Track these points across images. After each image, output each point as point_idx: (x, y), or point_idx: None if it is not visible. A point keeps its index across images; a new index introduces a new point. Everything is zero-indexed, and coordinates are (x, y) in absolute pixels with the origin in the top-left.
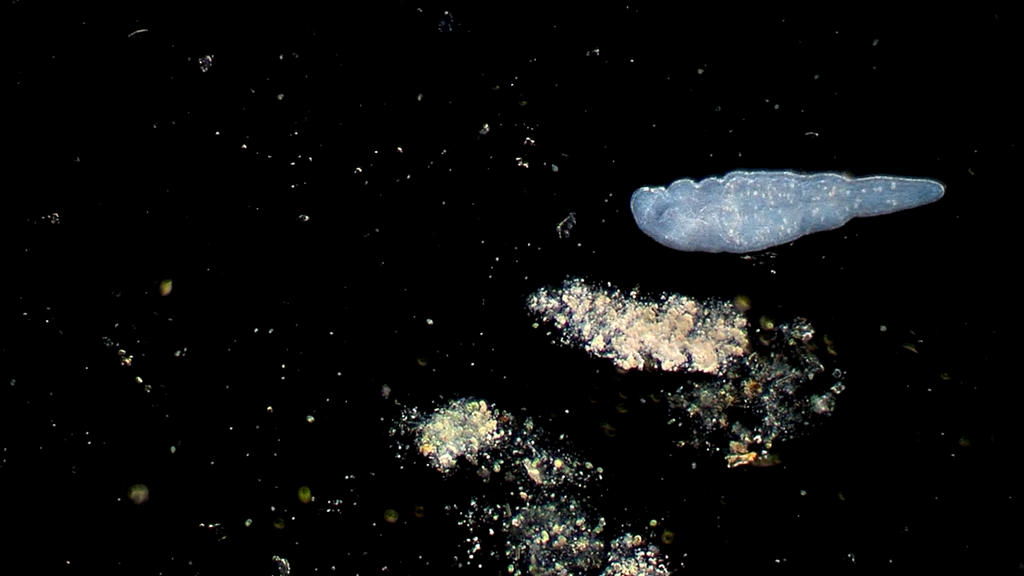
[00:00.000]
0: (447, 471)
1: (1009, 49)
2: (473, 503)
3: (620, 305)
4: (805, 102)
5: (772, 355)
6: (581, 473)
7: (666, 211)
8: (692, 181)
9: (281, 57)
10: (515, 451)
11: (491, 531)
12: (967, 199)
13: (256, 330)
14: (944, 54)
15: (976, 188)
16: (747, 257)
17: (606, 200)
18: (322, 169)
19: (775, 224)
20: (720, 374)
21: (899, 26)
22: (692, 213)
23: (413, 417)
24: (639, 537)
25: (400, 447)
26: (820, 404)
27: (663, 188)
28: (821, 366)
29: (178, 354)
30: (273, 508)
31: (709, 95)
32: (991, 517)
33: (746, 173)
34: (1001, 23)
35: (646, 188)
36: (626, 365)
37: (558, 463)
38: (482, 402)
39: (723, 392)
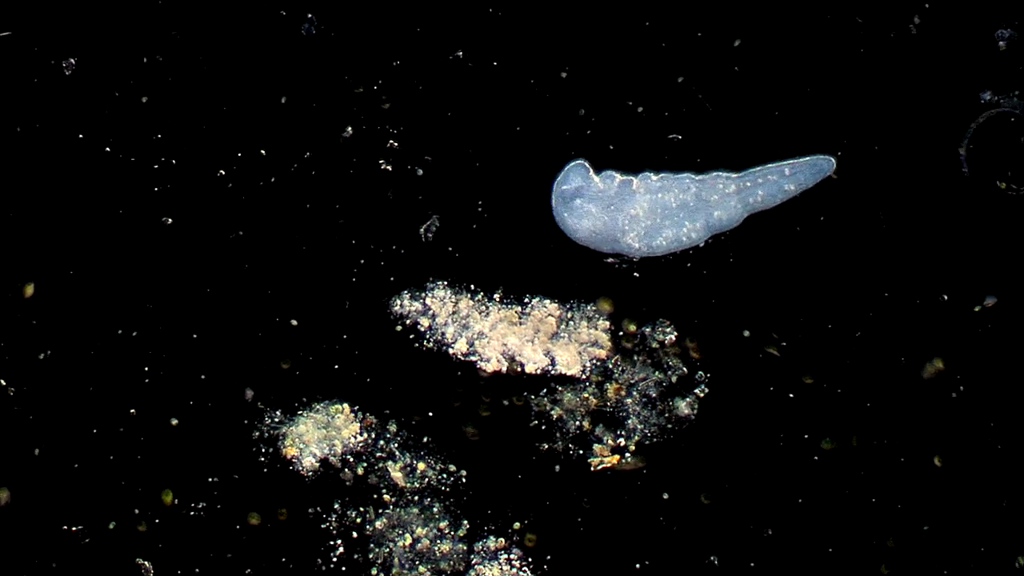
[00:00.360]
0: (310, 474)
1: (869, 52)
2: (336, 506)
3: (483, 308)
4: (668, 104)
5: (635, 358)
6: (444, 476)
7: (581, 198)
8: (616, 173)
9: (145, 60)
10: (378, 454)
11: (354, 534)
12: (826, 204)
13: (120, 332)
14: (803, 51)
15: (835, 194)
16: (609, 260)
17: (470, 202)
18: (186, 171)
19: (678, 229)
20: (583, 377)
21: (759, 26)
22: (601, 209)
23: (276, 420)
24: (502, 540)
25: (263, 450)
26: (683, 407)
27: (595, 177)
28: (684, 369)
29: (42, 356)
30: (136, 510)
31: (572, 97)
32: (852, 519)
33: (653, 176)
34: (854, 27)
35: (585, 165)
36: (489, 368)
37: (421, 466)
38: (345, 405)
39: (586, 395)
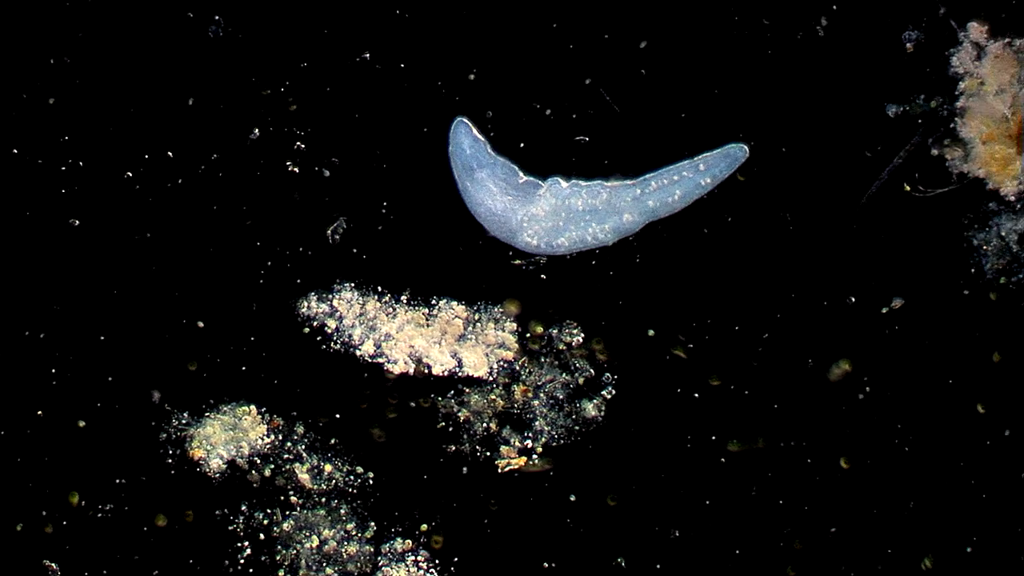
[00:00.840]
0: (217, 475)
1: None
2: (243, 507)
3: (390, 310)
4: (576, 105)
5: (542, 360)
6: (351, 478)
7: (482, 170)
8: (521, 172)
9: (52, 61)
10: (285, 456)
11: (261, 535)
12: (733, 205)
13: (27, 334)
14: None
15: (742, 194)
16: (516, 262)
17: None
18: (92, 173)
19: (582, 231)
20: (490, 379)
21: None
22: (501, 194)
23: (183, 421)
24: (409, 542)
25: (170, 451)
26: (590, 408)
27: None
28: (591, 371)
29: None
30: (43, 512)
31: (479, 99)
32: (759, 521)
33: (563, 182)
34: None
35: (466, 122)
36: (396, 370)
37: (328, 468)
38: (252, 407)
39: (493, 397)
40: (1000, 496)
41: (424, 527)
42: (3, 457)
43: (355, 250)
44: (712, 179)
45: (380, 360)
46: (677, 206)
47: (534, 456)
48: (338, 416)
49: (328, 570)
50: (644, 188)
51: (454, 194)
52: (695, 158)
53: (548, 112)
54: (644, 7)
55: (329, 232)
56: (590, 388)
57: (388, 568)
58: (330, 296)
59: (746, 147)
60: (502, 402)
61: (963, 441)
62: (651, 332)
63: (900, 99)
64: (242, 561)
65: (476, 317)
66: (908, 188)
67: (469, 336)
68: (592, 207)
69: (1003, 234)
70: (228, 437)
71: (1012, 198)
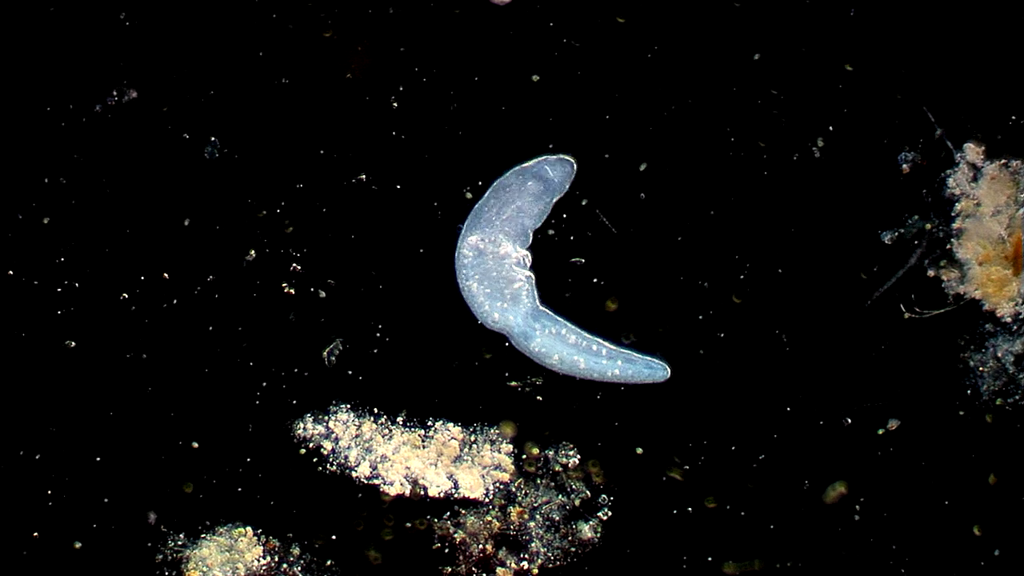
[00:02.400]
0: None
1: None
2: None
3: (386, 431)
4: (574, 229)
5: (538, 481)
6: None
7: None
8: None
9: (47, 181)
10: None
11: None
12: (725, 330)
13: (22, 454)
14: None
15: (733, 318)
16: (513, 383)
17: (374, 326)
18: (87, 295)
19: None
20: (486, 500)
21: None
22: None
23: (179, 543)
24: None
25: (166, 573)
26: (586, 530)
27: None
28: (587, 492)
29: None
30: None
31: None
32: None
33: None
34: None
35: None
36: (392, 491)
37: None
38: (248, 528)
39: (489, 518)
40: None
41: None
42: None
43: (351, 372)
44: (619, 374)
45: (376, 482)
46: (575, 372)
47: None
48: (334, 537)
49: None
50: (562, 332)
51: (450, 317)
52: (623, 351)
53: (551, 232)
54: (643, 125)
55: (325, 354)
56: (586, 510)
57: None
58: (326, 417)
59: (668, 371)
60: (498, 524)
61: (959, 564)
62: (639, 451)
63: (895, 223)
64: None
65: (472, 439)
66: (904, 310)
67: (465, 458)
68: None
69: (999, 356)
70: (224, 559)
71: (1008, 320)
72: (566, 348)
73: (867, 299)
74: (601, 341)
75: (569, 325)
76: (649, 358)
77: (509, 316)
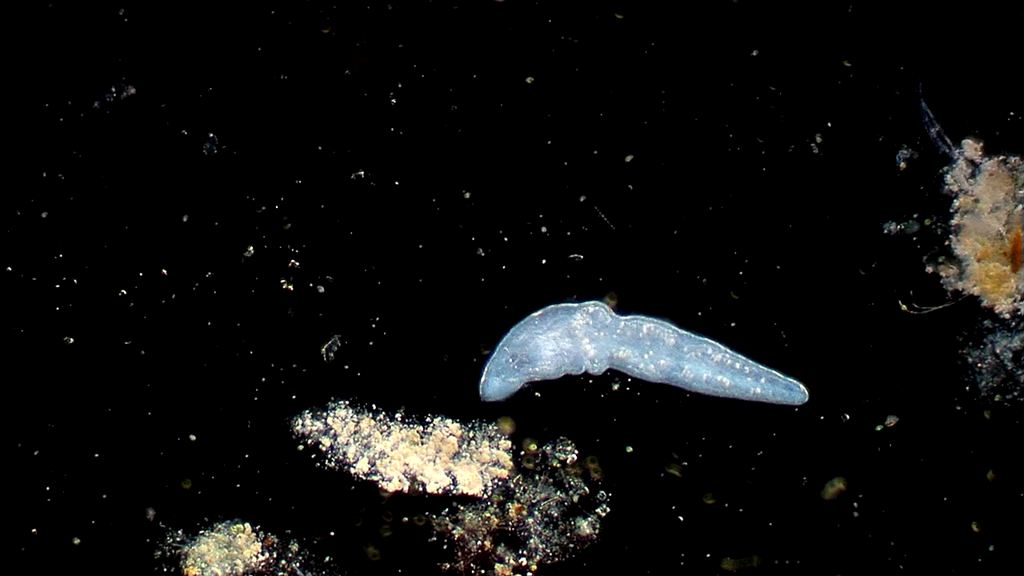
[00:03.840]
0: None
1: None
2: None
3: (385, 427)
4: (571, 225)
5: (536, 477)
6: None
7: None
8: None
9: (44, 175)
10: (280, 573)
11: None
12: (724, 325)
13: (20, 448)
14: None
15: (732, 313)
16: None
17: (372, 322)
18: (86, 291)
19: (638, 358)
20: (485, 496)
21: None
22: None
23: (178, 539)
24: None
25: (165, 569)
26: (584, 526)
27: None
28: (585, 488)
29: None
30: None
31: (474, 217)
32: None
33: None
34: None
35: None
36: (391, 487)
37: None
38: (247, 524)
39: (488, 514)
40: None
41: None
42: None
43: (349, 368)
44: (760, 393)
45: (374, 478)
46: (705, 389)
47: (529, 574)
48: (332, 534)
49: None
50: (716, 355)
51: (449, 313)
52: (763, 369)
53: (544, 230)
54: (641, 121)
55: (324, 350)
56: (585, 506)
57: None
58: (324, 414)
59: (807, 394)
60: (497, 520)
61: (958, 559)
62: (629, 449)
63: (894, 217)
64: None
65: (471, 435)
66: (903, 306)
67: (463, 454)
68: (655, 338)
69: (998, 352)
70: (222, 555)
71: (1007, 316)
72: (711, 368)
73: (866, 299)
74: (744, 359)
75: (711, 342)
76: (789, 379)
77: (660, 360)
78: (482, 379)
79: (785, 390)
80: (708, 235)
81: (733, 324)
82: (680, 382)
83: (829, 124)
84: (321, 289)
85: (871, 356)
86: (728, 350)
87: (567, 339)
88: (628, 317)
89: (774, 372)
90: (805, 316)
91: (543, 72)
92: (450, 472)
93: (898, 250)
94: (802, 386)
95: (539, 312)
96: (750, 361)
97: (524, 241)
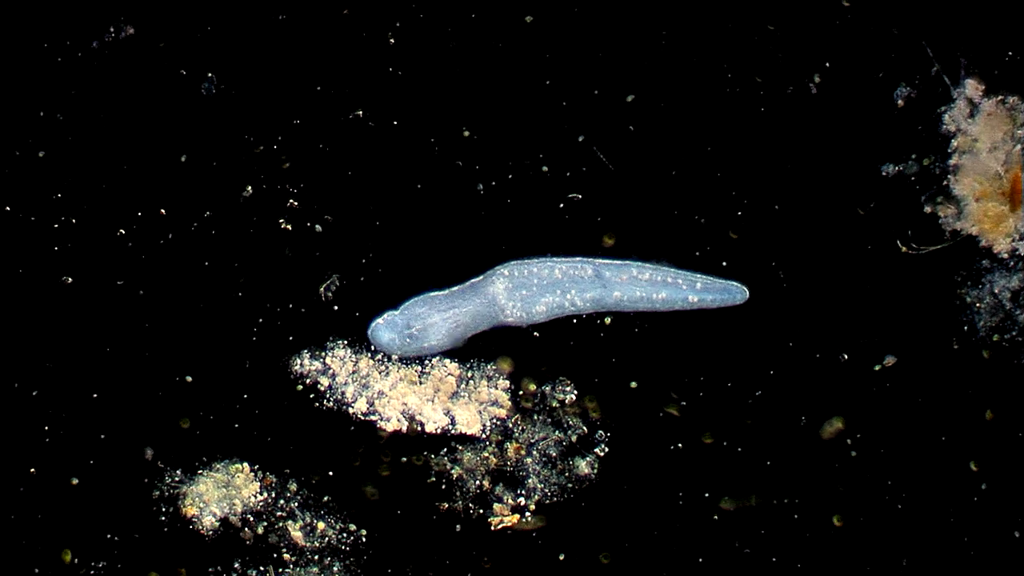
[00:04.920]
0: (210, 533)
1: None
2: (236, 565)
3: (383, 367)
4: (572, 164)
5: (535, 417)
6: (344, 535)
7: (413, 326)
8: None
9: (42, 114)
10: (278, 513)
11: None
12: (722, 264)
13: (17, 390)
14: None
15: (732, 251)
16: (510, 319)
17: (367, 260)
18: (84, 231)
19: (560, 298)
20: (483, 436)
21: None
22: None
23: (176, 479)
24: None
25: (163, 509)
26: (583, 466)
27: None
28: (584, 428)
29: None
30: (36, 570)
31: (472, 158)
32: None
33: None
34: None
35: (379, 320)
36: (389, 427)
37: (321, 525)
38: (245, 464)
39: (486, 454)
40: (993, 554)
41: None
42: None
43: (348, 307)
44: (699, 301)
45: (373, 418)
46: (659, 308)
47: (527, 514)
48: (331, 474)
49: None
50: (644, 273)
51: (447, 252)
52: (696, 275)
53: (545, 169)
54: (634, 62)
55: (322, 289)
56: (583, 446)
57: None
58: (323, 354)
59: (746, 291)
60: (495, 460)
61: (956, 498)
62: (633, 384)
63: (893, 158)
64: None
65: (469, 375)
66: (901, 245)
67: (462, 394)
68: (575, 277)
69: (996, 292)
70: (221, 495)
71: (1005, 256)
72: (642, 287)
73: (863, 238)
74: (677, 271)
75: (636, 263)
76: (727, 282)
77: (586, 294)
78: (375, 323)
79: (724, 294)
80: (706, 175)
81: (730, 264)
82: (616, 307)
83: (827, 64)
84: (319, 228)
85: (869, 296)
86: (656, 266)
87: (468, 316)
88: (536, 261)
89: (709, 278)
90: (803, 256)
91: (542, 11)
92: (448, 412)
93: (896, 190)
94: (740, 285)
95: (444, 292)
96: (682, 272)
97: (523, 181)
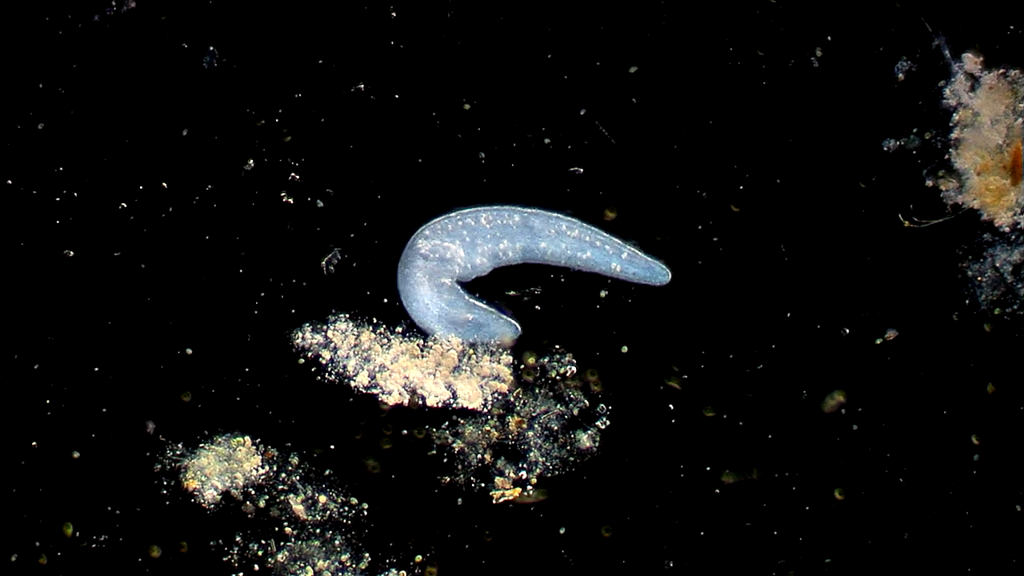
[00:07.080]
0: (212, 506)
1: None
2: (238, 538)
3: (385, 341)
4: (573, 135)
5: (536, 391)
6: (346, 508)
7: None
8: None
9: (41, 85)
10: (280, 486)
11: (256, 567)
12: (726, 238)
13: (20, 363)
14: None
15: (736, 227)
16: (511, 293)
17: (368, 229)
18: (86, 204)
19: (494, 245)
20: (485, 410)
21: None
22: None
23: (178, 452)
24: (404, 573)
25: (165, 482)
26: (584, 439)
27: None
28: (585, 401)
29: None
30: (38, 543)
31: (473, 130)
32: (753, 552)
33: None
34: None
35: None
36: (391, 401)
37: (323, 498)
38: (247, 437)
39: (488, 428)
40: (994, 528)
41: (418, 558)
42: None
43: (350, 281)
44: (621, 271)
45: (374, 391)
46: (572, 264)
47: (529, 487)
48: (332, 447)
49: None
50: (573, 230)
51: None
52: (626, 245)
53: (547, 142)
54: (642, 36)
55: (324, 263)
56: (584, 419)
57: None
58: (325, 327)
59: (669, 274)
60: (497, 433)
61: (957, 472)
62: (624, 349)
63: (894, 132)
64: None
65: (470, 349)
66: (903, 219)
67: (463, 368)
68: (502, 226)
69: (997, 265)
70: (222, 468)
71: (1006, 229)
72: (568, 244)
73: (865, 213)
74: (607, 236)
75: (566, 219)
76: (651, 259)
77: (516, 243)
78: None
79: (646, 270)
80: (709, 149)
81: (732, 237)
82: (540, 258)
83: (828, 38)
84: (320, 203)
85: (871, 270)
86: (587, 226)
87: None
88: (467, 211)
89: (636, 251)
90: (805, 230)
91: None
92: (450, 385)
93: (898, 164)
94: (664, 266)
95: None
96: (613, 239)
97: (525, 154)
